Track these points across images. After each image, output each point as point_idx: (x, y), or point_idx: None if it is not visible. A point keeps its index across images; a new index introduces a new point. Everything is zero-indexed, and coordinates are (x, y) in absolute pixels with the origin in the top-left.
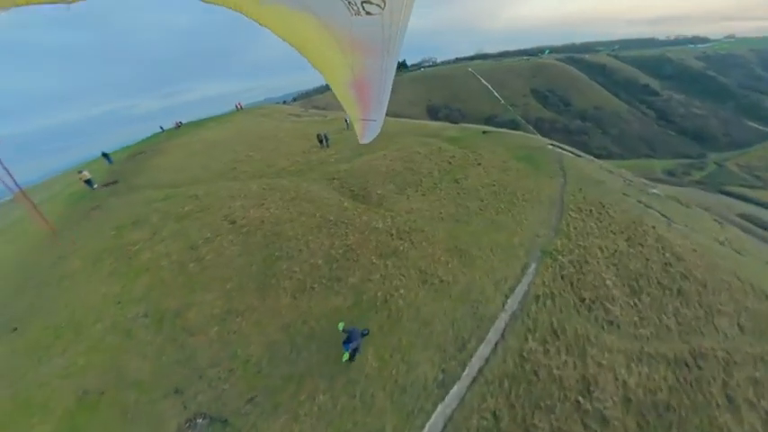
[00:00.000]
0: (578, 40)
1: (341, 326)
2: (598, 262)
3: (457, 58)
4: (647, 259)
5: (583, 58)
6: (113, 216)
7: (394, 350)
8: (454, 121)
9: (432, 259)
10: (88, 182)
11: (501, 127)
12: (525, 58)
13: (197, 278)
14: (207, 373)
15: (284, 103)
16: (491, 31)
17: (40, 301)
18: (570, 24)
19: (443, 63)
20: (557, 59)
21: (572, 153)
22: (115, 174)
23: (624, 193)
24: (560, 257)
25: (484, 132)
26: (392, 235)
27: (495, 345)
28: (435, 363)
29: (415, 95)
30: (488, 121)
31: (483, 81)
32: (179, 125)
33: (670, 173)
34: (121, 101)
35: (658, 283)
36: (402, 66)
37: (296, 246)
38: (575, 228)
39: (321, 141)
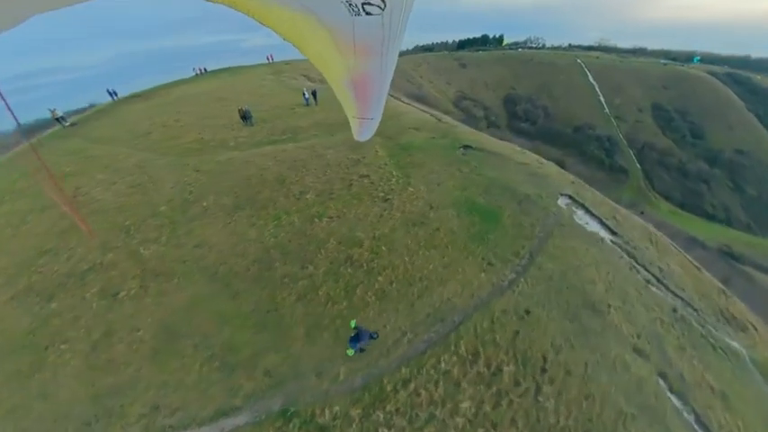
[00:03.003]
0: (757, 52)
1: (353, 323)
2: None
3: (570, 45)
4: None
5: (750, 78)
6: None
7: None
8: (533, 122)
9: None
10: (59, 119)
11: (588, 143)
12: (662, 61)
13: None
14: None
15: None
16: (633, 19)
17: None
18: (751, 29)
19: (551, 48)
20: (708, 72)
21: (605, 225)
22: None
23: None
24: None
25: (464, 147)
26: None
27: None
28: None
29: (495, 79)
30: (577, 130)
31: (590, 78)
32: (202, 71)
33: None
34: (233, 34)
35: None
36: (495, 41)
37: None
38: None
39: (244, 118)
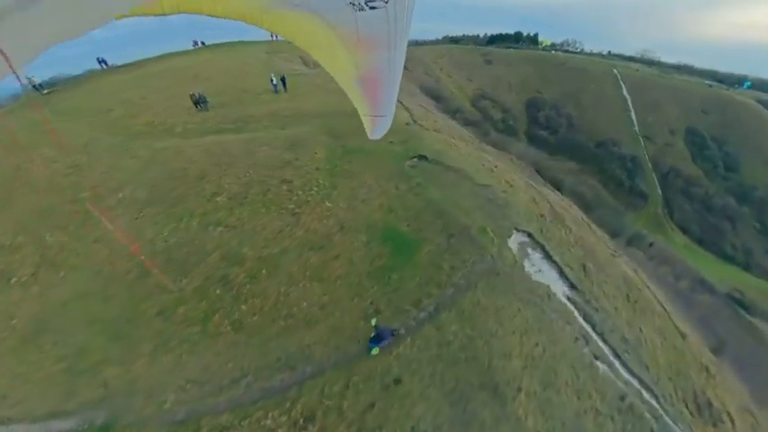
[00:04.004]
0: None
1: (374, 321)
2: None
3: (610, 53)
4: None
5: None
6: None
7: None
8: (554, 130)
9: None
10: (36, 87)
11: (610, 161)
12: (707, 82)
13: None
14: None
15: None
16: (683, 33)
17: None
18: None
19: (588, 54)
20: (756, 100)
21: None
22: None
23: None
24: None
25: (419, 157)
26: None
27: None
28: None
29: (521, 80)
30: (600, 145)
31: (624, 91)
32: (199, 44)
33: None
34: None
35: None
36: (528, 39)
37: None
38: None
39: (196, 104)
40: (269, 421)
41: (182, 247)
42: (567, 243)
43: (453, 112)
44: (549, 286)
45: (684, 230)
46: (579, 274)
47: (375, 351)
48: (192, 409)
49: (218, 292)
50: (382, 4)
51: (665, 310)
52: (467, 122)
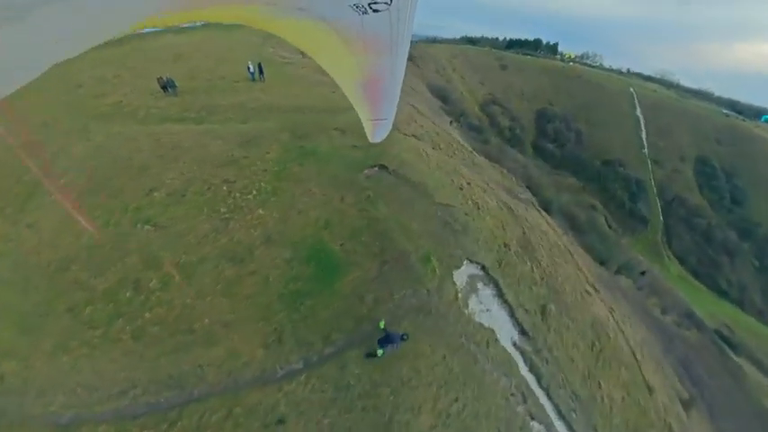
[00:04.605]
0: None
1: (382, 324)
2: None
3: (629, 70)
4: None
5: None
6: None
7: None
8: (562, 144)
9: None
10: None
11: (614, 181)
12: (725, 111)
13: None
14: None
15: None
16: (706, 58)
17: None
18: None
19: (606, 69)
20: None
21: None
22: None
23: None
24: None
25: (379, 167)
26: None
27: None
28: None
29: (533, 89)
30: (606, 164)
31: (638, 111)
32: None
33: None
34: None
35: None
36: (547, 48)
37: None
38: None
39: (164, 88)
40: None
41: (107, 243)
42: (530, 279)
43: (458, 115)
44: (493, 330)
45: (681, 261)
46: (535, 317)
47: (380, 353)
48: (77, 414)
49: (128, 295)
50: (385, 6)
51: (636, 359)
52: (470, 127)
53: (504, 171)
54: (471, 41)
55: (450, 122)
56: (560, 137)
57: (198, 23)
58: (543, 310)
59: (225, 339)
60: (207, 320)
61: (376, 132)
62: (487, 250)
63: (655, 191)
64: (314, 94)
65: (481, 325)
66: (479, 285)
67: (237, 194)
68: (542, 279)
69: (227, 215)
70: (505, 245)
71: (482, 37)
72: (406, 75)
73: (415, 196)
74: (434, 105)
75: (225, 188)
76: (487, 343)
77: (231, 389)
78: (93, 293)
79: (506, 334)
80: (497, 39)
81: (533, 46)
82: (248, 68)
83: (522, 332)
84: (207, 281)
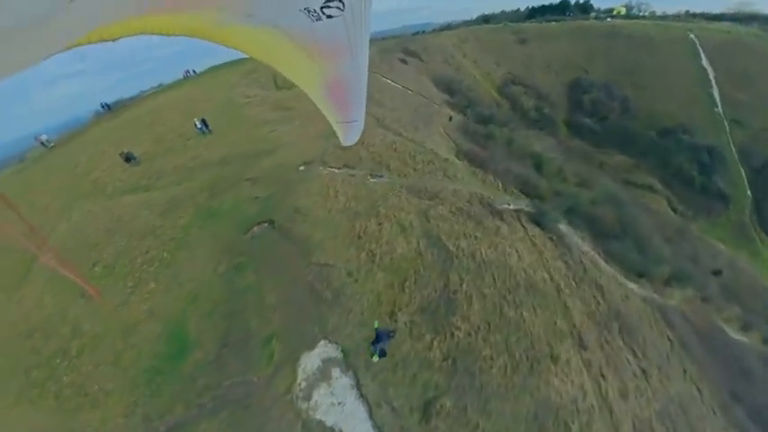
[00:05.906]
0: None
1: (376, 324)
2: None
3: (688, 12)
4: None
5: None
6: None
7: None
8: (603, 116)
9: None
10: (44, 143)
11: (677, 153)
12: None
13: None
14: None
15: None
16: None
17: None
18: None
19: (656, 18)
20: None
21: None
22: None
23: None
24: None
25: (272, 225)
26: None
27: None
28: None
29: (563, 58)
30: (664, 134)
31: (703, 61)
32: (190, 73)
33: None
34: None
35: None
36: (578, 8)
37: None
38: None
39: (127, 160)
40: None
41: (51, 316)
42: (420, 362)
43: (464, 108)
44: None
45: None
46: (409, 418)
47: (375, 358)
48: None
49: (58, 361)
50: (339, 12)
51: None
52: (478, 119)
53: (490, 178)
54: (487, 20)
55: (450, 119)
56: (601, 108)
57: (190, 73)
58: (427, 408)
59: (103, 405)
60: (96, 387)
61: (348, 135)
62: (359, 324)
63: (736, 158)
64: (251, 137)
65: (321, 424)
66: (335, 373)
67: (145, 266)
68: (446, 359)
69: (131, 289)
70: (394, 312)
71: (501, 12)
72: (405, 75)
73: (290, 256)
74: (438, 100)
75: (140, 260)
76: None
77: None
78: (41, 358)
79: None
80: (518, 9)
81: (560, 9)
82: (195, 125)
83: None
84: (105, 350)
